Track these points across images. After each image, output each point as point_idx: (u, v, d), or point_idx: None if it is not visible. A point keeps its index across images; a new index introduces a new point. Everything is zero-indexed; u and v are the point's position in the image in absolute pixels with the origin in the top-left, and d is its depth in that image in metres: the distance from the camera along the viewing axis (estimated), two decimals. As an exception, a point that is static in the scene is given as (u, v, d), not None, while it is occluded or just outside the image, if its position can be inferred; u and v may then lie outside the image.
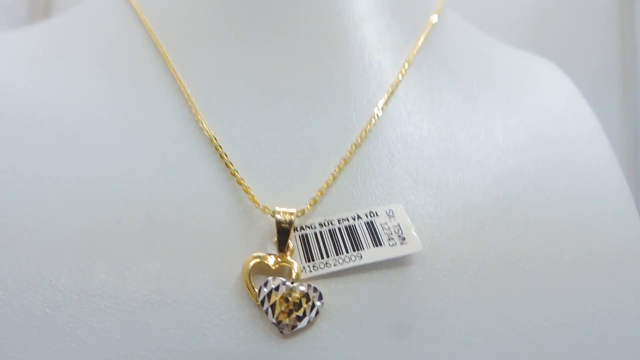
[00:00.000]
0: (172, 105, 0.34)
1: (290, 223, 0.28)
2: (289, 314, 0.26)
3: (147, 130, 0.32)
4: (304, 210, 0.29)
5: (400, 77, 0.37)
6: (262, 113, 0.33)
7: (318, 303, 0.26)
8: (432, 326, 0.27)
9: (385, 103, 0.35)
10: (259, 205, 0.29)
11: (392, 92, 0.36)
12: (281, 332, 0.26)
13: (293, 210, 0.29)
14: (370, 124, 0.34)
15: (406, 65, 0.38)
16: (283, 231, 0.28)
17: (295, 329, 0.26)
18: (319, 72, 0.36)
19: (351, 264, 0.28)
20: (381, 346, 0.26)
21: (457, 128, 0.35)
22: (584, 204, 0.32)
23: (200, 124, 0.33)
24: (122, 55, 0.36)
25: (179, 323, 0.26)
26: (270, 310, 0.26)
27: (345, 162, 0.32)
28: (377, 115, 0.34)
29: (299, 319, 0.26)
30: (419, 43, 0.40)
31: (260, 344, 0.26)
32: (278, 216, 0.28)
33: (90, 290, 0.26)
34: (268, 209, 0.29)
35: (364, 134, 0.33)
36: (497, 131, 0.35)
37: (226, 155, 0.31)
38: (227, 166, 0.31)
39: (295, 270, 0.27)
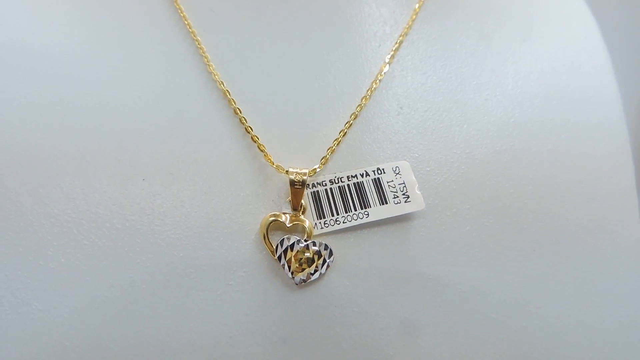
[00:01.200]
0: (184, 55, 0.34)
1: (303, 183, 0.30)
2: (303, 270, 0.29)
3: (160, 81, 0.33)
4: (315, 169, 0.31)
5: (414, 17, 0.36)
6: (273, 66, 0.34)
7: (329, 259, 0.29)
8: (429, 276, 0.30)
9: (395, 52, 0.35)
10: (273, 164, 0.31)
11: (405, 34, 0.36)
12: (296, 284, 0.29)
13: (305, 170, 0.30)
14: (380, 75, 0.34)
15: (417, 7, 0.37)
16: (296, 191, 0.30)
17: (309, 281, 0.29)
18: (327, 26, 0.35)
19: (359, 222, 0.30)
20: (383, 293, 0.30)
21: (468, 75, 0.35)
22: (582, 164, 0.33)
23: (213, 75, 0.33)
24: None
25: (207, 274, 0.29)
26: (286, 265, 0.29)
27: (355, 116, 0.33)
28: (387, 65, 0.34)
29: (311, 274, 0.29)
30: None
31: (278, 293, 0.29)
32: (291, 177, 0.30)
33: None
34: (282, 168, 0.31)
35: (374, 85, 0.34)
36: (507, 78, 0.35)
37: (240, 111, 0.32)
38: (242, 122, 0.32)
39: (307, 228, 0.30)
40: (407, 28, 0.36)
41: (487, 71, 0.35)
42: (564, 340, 0.31)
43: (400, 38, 0.35)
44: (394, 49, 0.35)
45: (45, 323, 0.28)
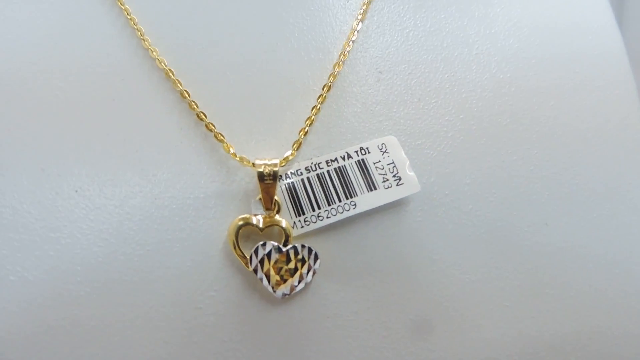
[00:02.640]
0: (111, 28, 0.27)
1: (275, 175, 0.25)
2: (285, 281, 0.24)
3: (85, 64, 0.26)
4: (287, 157, 0.26)
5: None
6: (223, 34, 0.28)
7: (314, 265, 0.25)
8: (432, 267, 0.26)
9: (367, 6, 0.29)
10: (235, 155, 0.25)
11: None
12: (279, 299, 0.24)
13: (276, 160, 0.25)
14: (352, 34, 0.28)
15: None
16: (267, 186, 0.25)
17: (292, 293, 0.24)
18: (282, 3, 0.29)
19: (345, 215, 0.25)
20: (383, 295, 0.26)
21: (454, 26, 0.30)
22: (588, 119, 0.29)
23: (150, 52, 0.27)
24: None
25: (170, 300, 0.24)
26: (265, 278, 0.24)
27: (328, 88, 0.27)
28: (359, 23, 0.29)
29: (295, 285, 0.24)
30: None
31: (258, 310, 0.24)
32: (259, 169, 0.25)
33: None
34: (247, 159, 0.25)
35: (346, 48, 0.28)
36: (498, 26, 0.30)
37: (188, 94, 0.26)
38: (192, 108, 0.26)
39: (285, 230, 0.25)
40: None
41: (474, 19, 0.30)
42: (585, 323, 0.27)
43: (366, 6, 0.29)
44: (365, 2, 0.29)
45: None
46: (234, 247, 0.24)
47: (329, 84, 0.27)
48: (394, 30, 0.29)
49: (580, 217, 0.28)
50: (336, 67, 0.28)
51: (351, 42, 0.28)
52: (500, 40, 0.30)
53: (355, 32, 0.28)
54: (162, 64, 0.27)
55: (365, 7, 0.29)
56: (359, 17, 0.29)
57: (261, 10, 0.28)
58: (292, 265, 0.24)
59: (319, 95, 0.27)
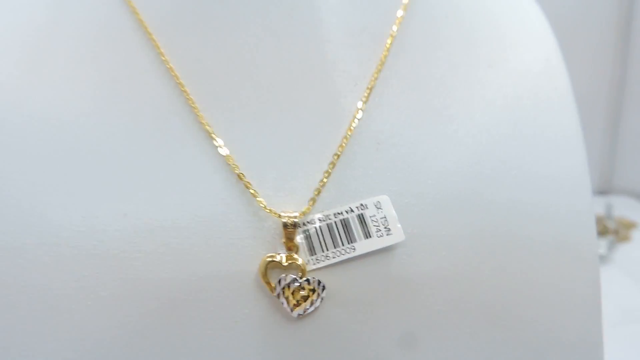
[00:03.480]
0: (171, 104, 0.36)
1: (295, 225, 0.33)
2: (299, 304, 0.33)
3: (150, 135, 0.35)
4: (304, 211, 0.34)
5: (386, 54, 0.39)
6: (256, 110, 0.36)
7: (322, 293, 0.33)
8: (414, 299, 0.34)
9: (371, 91, 0.38)
10: (266, 208, 0.34)
11: (377, 77, 0.38)
12: (294, 318, 0.33)
13: (296, 213, 0.34)
14: (357, 113, 0.37)
15: (389, 42, 0.39)
16: (289, 232, 0.33)
17: (305, 313, 0.33)
18: (305, 71, 0.37)
19: (346, 256, 0.34)
20: (376, 317, 0.34)
21: (440, 105, 0.38)
22: (543, 185, 0.37)
23: (204, 126, 0.35)
24: (113, 45, 0.37)
25: (215, 314, 0.32)
26: (285, 302, 0.33)
27: (338, 156, 0.36)
28: (364, 103, 0.37)
29: (308, 308, 0.33)
30: (401, 13, 0.40)
31: (280, 325, 0.33)
32: (284, 220, 0.33)
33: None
34: (274, 212, 0.34)
35: (352, 124, 0.36)
36: (475, 106, 0.38)
37: (232, 159, 0.35)
38: (233, 169, 0.35)
39: (301, 266, 0.33)
40: (380, 64, 0.38)
41: (456, 101, 0.38)
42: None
43: (375, 75, 0.38)
44: (369, 87, 0.37)
45: None
46: (263, 277, 0.33)
47: (338, 153, 0.36)
48: (390, 110, 0.38)
49: (533, 267, 0.36)
50: (344, 139, 0.36)
51: (357, 119, 0.36)
52: (477, 119, 0.38)
53: (360, 111, 0.37)
54: (212, 135, 0.35)
55: (369, 91, 0.37)
56: (364, 99, 0.37)
57: (287, 95, 0.37)
58: (305, 293, 0.33)
59: (329, 162, 0.35)
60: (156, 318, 0.32)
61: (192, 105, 0.36)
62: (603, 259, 0.98)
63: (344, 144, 0.36)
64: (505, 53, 0.41)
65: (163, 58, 0.36)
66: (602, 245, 0.99)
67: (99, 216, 0.33)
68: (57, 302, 0.32)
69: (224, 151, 0.35)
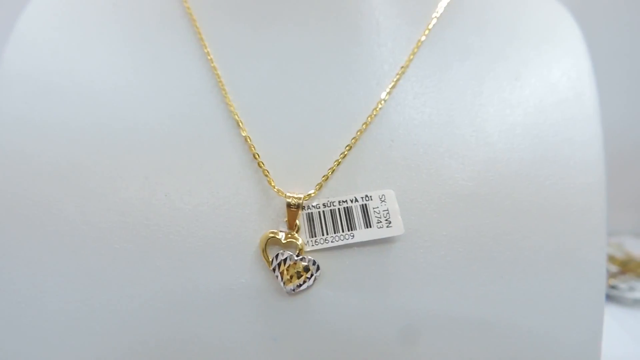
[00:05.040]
0: (205, 86, 0.39)
1: (298, 206, 0.35)
2: (293, 280, 0.34)
3: (181, 113, 0.38)
4: (310, 194, 0.36)
5: (412, 57, 0.40)
6: (280, 101, 0.38)
7: (316, 273, 0.34)
8: (405, 292, 0.35)
9: (394, 85, 0.39)
10: (274, 187, 0.36)
11: (402, 73, 0.40)
12: (287, 293, 0.34)
13: (301, 195, 0.35)
14: (376, 109, 0.38)
15: (422, 39, 0.41)
16: (292, 212, 0.35)
17: (298, 290, 0.34)
18: (333, 52, 0.39)
19: (344, 242, 0.35)
20: (364, 304, 0.35)
21: (458, 112, 0.39)
22: (555, 199, 0.36)
23: (229, 107, 0.38)
24: (161, 29, 0.41)
25: (214, 278, 0.35)
26: (280, 276, 0.34)
27: (350, 148, 0.37)
28: (384, 100, 0.38)
29: (300, 285, 0.34)
30: (438, 14, 0.41)
31: (272, 299, 0.35)
32: (288, 200, 0.35)
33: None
34: (281, 192, 0.36)
35: (369, 119, 0.38)
36: (494, 118, 0.39)
37: (250, 139, 0.37)
38: (251, 149, 0.37)
39: (299, 245, 0.35)
40: (404, 68, 0.39)
41: (476, 108, 0.39)
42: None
43: (397, 77, 0.39)
44: (390, 87, 0.39)
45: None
46: (262, 251, 0.35)
47: (350, 145, 0.37)
48: (409, 110, 0.39)
49: (531, 275, 0.35)
50: (358, 132, 0.37)
51: (373, 115, 0.38)
52: (493, 127, 0.38)
53: (378, 109, 0.38)
54: (236, 116, 0.38)
55: (389, 90, 0.39)
56: (384, 97, 0.39)
57: (312, 87, 0.39)
58: (299, 268, 0.34)
59: (341, 152, 0.37)
60: (163, 271, 0.35)
61: (222, 88, 0.39)
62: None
63: (357, 137, 0.37)
64: (535, 66, 0.41)
65: (202, 43, 0.40)
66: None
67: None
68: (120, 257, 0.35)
69: (244, 132, 0.37)
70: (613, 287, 0.92)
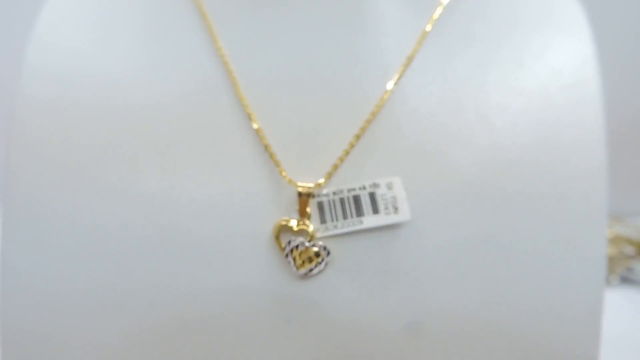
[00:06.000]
0: (217, 79, 0.41)
1: (309, 195, 0.37)
2: (305, 265, 0.36)
3: (193, 107, 0.40)
4: (320, 183, 0.37)
5: (417, 47, 0.41)
6: (291, 93, 0.40)
7: (326, 258, 0.36)
8: (411, 276, 0.36)
9: (400, 76, 0.40)
10: (286, 177, 0.38)
11: (408, 63, 0.41)
12: (299, 277, 0.36)
13: (311, 184, 0.37)
14: (383, 99, 0.39)
15: (428, 29, 0.42)
16: (303, 201, 0.37)
17: (310, 274, 0.36)
18: (339, 43, 0.41)
19: (354, 228, 0.37)
20: (373, 288, 0.36)
21: (463, 101, 0.40)
22: (558, 183, 0.37)
23: (241, 100, 0.40)
24: (174, 25, 0.42)
25: (227, 264, 0.37)
26: (292, 261, 0.36)
27: (357, 137, 0.39)
28: (390, 90, 0.40)
29: (311, 269, 0.36)
30: (444, 3, 0.42)
31: (285, 283, 0.37)
32: (299, 189, 0.37)
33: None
34: (293, 181, 0.37)
35: (375, 109, 0.39)
36: (499, 105, 0.40)
37: (262, 131, 0.39)
38: (262, 140, 0.39)
39: (310, 232, 0.37)
40: (410, 58, 0.41)
41: (480, 96, 0.40)
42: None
43: (403, 67, 0.40)
44: (397, 77, 0.40)
45: None
46: (275, 238, 0.37)
47: (358, 134, 0.38)
48: (416, 98, 0.40)
49: (533, 258, 0.37)
50: (365, 122, 0.39)
51: (381, 105, 0.39)
52: (498, 113, 0.39)
53: (386, 97, 0.39)
54: (248, 109, 0.39)
55: (396, 79, 0.40)
56: (390, 87, 0.40)
57: (320, 76, 0.40)
58: (311, 254, 0.36)
59: (349, 141, 0.38)
60: (181, 258, 0.37)
61: (233, 81, 0.40)
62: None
63: (365, 127, 0.39)
64: (540, 52, 0.41)
65: (214, 38, 0.41)
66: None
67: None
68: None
69: (255, 124, 0.39)
70: (629, 269, 0.92)
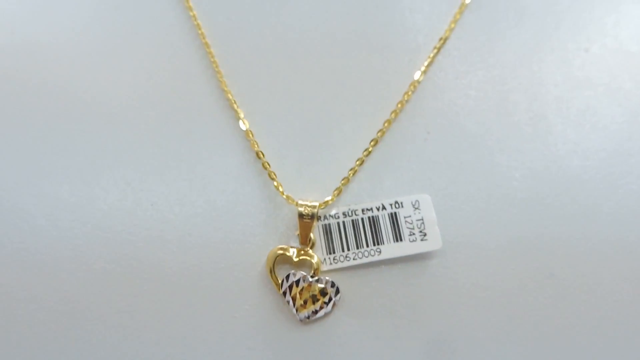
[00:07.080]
0: (197, 68, 0.33)
1: (313, 216, 0.29)
2: (307, 306, 0.28)
3: (174, 99, 0.32)
4: (327, 201, 0.29)
5: (453, 25, 0.32)
6: (287, 84, 0.32)
7: (335, 297, 0.28)
8: (445, 322, 0.28)
9: (430, 62, 0.32)
10: (283, 193, 0.30)
11: (441, 46, 0.32)
12: (300, 321, 0.28)
13: (316, 203, 0.29)
14: (408, 93, 0.31)
15: (467, 1, 0.33)
16: (305, 224, 0.29)
17: (313, 318, 0.28)
18: (354, 21, 0.32)
19: (370, 259, 0.29)
20: (393, 338, 0.29)
21: (511, 95, 0.31)
22: (632, 199, 0.29)
23: (225, 94, 0.32)
24: (164, 37, 0.34)
25: (212, 306, 0.29)
26: (291, 301, 0.28)
27: (375, 143, 0.30)
28: (418, 81, 0.31)
29: (316, 312, 0.28)
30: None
31: (282, 329, 0.29)
32: (300, 209, 0.29)
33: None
34: (292, 199, 0.29)
35: (399, 106, 0.31)
36: (557, 101, 0.31)
37: (252, 134, 0.31)
38: (253, 147, 0.31)
39: (315, 264, 0.29)
40: (443, 39, 0.32)
41: (532, 89, 0.31)
42: None
43: (435, 51, 0.32)
44: (426, 64, 0.31)
45: None
46: (270, 272, 0.29)
47: (377, 138, 0.30)
48: (448, 92, 0.31)
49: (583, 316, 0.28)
50: (385, 123, 0.30)
51: (405, 101, 0.31)
52: (551, 112, 0.31)
53: (410, 92, 0.31)
54: (235, 105, 0.31)
55: (425, 67, 0.31)
56: (417, 77, 0.31)
57: (326, 65, 0.32)
58: (315, 292, 0.28)
59: (364, 149, 0.30)
60: (152, 300, 0.29)
61: (217, 70, 0.32)
62: None
63: (385, 129, 0.30)
64: (609, 33, 0.32)
65: (204, 41, 0.33)
66: None
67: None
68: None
69: (243, 126, 0.31)
70: None
